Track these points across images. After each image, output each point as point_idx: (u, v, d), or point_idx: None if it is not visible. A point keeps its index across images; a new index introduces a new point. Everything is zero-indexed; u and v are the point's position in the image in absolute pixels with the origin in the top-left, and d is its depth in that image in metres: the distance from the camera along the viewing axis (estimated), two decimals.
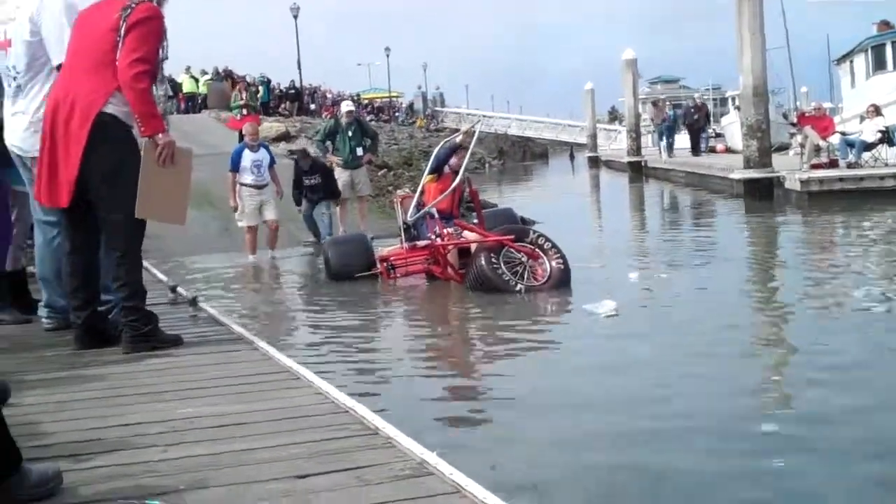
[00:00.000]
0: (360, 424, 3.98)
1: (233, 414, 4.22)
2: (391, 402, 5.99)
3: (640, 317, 8.69)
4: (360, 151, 16.62)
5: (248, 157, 14.70)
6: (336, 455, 3.56)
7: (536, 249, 10.45)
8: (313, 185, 16.26)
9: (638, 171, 39.58)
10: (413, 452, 3.54)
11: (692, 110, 39.60)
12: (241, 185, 14.64)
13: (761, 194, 21.10)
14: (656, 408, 5.79)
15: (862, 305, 8.66)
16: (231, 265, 14.30)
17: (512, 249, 10.37)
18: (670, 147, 39.33)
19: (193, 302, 7.53)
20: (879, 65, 27.75)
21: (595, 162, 53.81)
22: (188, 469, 3.45)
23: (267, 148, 15.61)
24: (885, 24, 29.32)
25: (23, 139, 6.20)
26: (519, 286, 9.99)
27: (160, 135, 5.74)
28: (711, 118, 40.56)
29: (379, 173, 24.74)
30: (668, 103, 47.45)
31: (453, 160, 11.80)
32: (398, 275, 11.51)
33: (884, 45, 27.80)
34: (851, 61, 29.96)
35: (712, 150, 39.00)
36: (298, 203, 16.46)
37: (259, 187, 14.70)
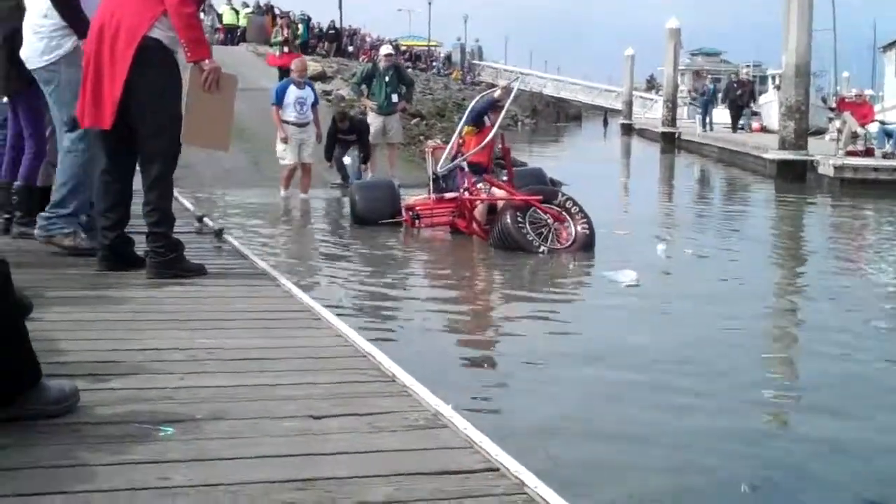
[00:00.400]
0: (378, 370, 3.98)
1: (252, 348, 4.24)
2: (408, 351, 6.00)
3: (661, 289, 8.66)
4: (395, 98, 16.51)
5: (292, 93, 14.47)
6: (352, 399, 3.57)
7: (563, 212, 10.40)
8: (348, 140, 16.21)
9: (671, 143, 39.29)
10: (428, 403, 3.54)
11: (735, 85, 37.87)
12: (283, 121, 14.42)
13: (794, 177, 20.92)
14: (671, 377, 5.79)
15: (885, 298, 8.64)
16: (260, 201, 14.30)
17: (538, 210, 10.33)
18: (707, 121, 38.54)
19: (219, 233, 7.55)
20: None
21: (628, 129, 53.43)
22: (205, 399, 3.47)
23: (312, 86, 15.39)
24: None
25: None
26: (542, 248, 9.97)
27: (206, 60, 5.72)
28: (756, 95, 38.83)
29: (412, 122, 24.62)
30: (708, 76, 46.44)
31: (492, 115, 11.74)
32: (422, 225, 11.50)
33: None
34: None
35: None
36: (329, 160, 16.29)
37: (301, 125, 14.48)
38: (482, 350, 6.71)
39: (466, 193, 11.00)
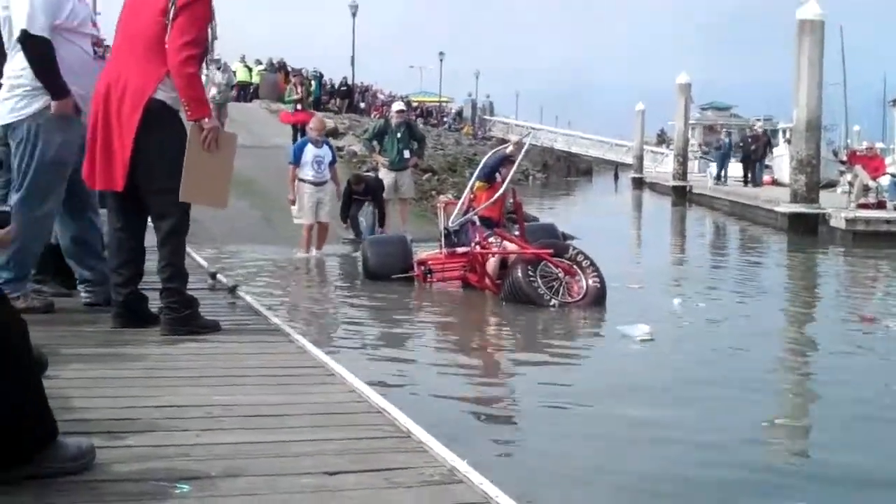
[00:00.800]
0: (393, 426, 3.98)
1: (267, 405, 4.24)
2: (423, 406, 6.00)
3: (674, 344, 8.64)
4: (406, 154, 16.60)
5: (310, 152, 14.34)
6: (367, 455, 3.57)
7: (574, 266, 10.42)
8: (363, 199, 16.23)
9: (682, 196, 39.34)
10: (444, 458, 3.54)
11: (749, 140, 38.14)
12: (301, 180, 14.29)
13: (805, 230, 20.96)
14: (682, 434, 5.78)
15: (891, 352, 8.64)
16: (273, 257, 14.31)
17: (550, 264, 10.35)
18: (722, 175, 38.71)
19: (233, 290, 7.56)
20: None
21: (639, 183, 53.55)
22: (221, 456, 3.47)
23: (330, 145, 15.30)
24: None
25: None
26: (553, 301, 9.97)
27: (206, 119, 5.78)
28: (770, 149, 38.94)
29: (423, 177, 24.73)
30: (723, 130, 46.57)
31: (503, 170, 11.81)
32: (434, 280, 11.52)
33: None
34: None
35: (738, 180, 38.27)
36: (345, 220, 16.27)
37: (318, 184, 14.35)
38: (496, 405, 6.70)
39: (478, 248, 11.03)
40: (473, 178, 12.21)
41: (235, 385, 4.62)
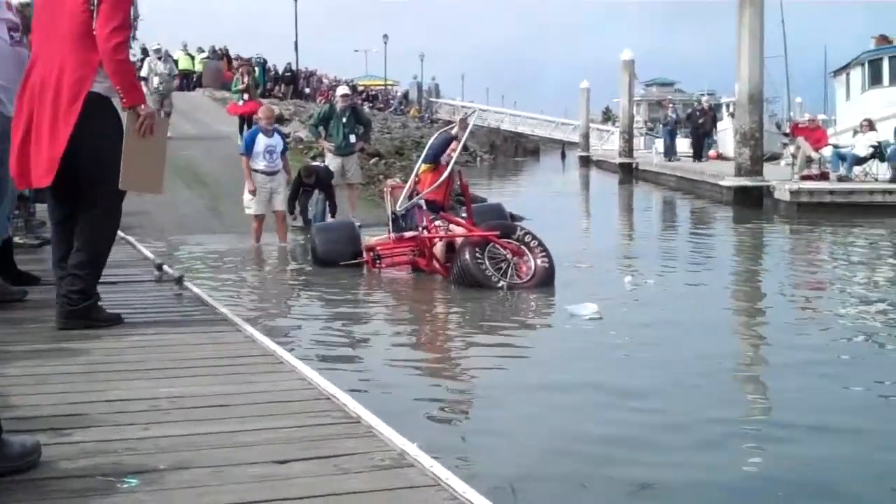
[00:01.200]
0: (342, 412, 3.98)
1: (215, 395, 4.22)
2: (373, 391, 6.02)
3: (622, 321, 8.67)
4: (352, 138, 16.54)
5: (261, 142, 14.17)
6: (316, 442, 3.56)
7: (522, 247, 10.45)
8: (311, 188, 16.12)
9: (628, 173, 39.62)
10: (394, 443, 3.54)
11: (697, 114, 38.14)
12: (253, 170, 14.17)
13: (751, 203, 21.18)
14: (629, 412, 5.83)
15: (839, 321, 8.74)
16: (220, 246, 14.20)
17: (497, 245, 10.37)
18: (673, 151, 39.00)
19: (179, 280, 7.50)
20: (875, 79, 27.82)
21: (586, 161, 53.83)
22: (169, 449, 3.45)
23: (281, 134, 15.22)
24: (883, 39, 29.41)
25: None
26: (501, 283, 10.00)
27: (142, 105, 5.72)
28: (716, 124, 39.19)
29: (370, 161, 24.63)
30: (671, 105, 46.55)
31: (448, 151, 11.81)
32: (383, 265, 11.50)
33: (881, 59, 27.89)
34: (848, 74, 30.05)
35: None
36: (292, 212, 16.11)
37: (271, 174, 14.24)
38: (447, 387, 6.70)
39: (425, 232, 11.03)
40: (419, 162, 12.18)
41: (183, 377, 4.59)
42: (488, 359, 7.51)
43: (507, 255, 10.35)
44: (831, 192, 20.20)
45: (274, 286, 11.40)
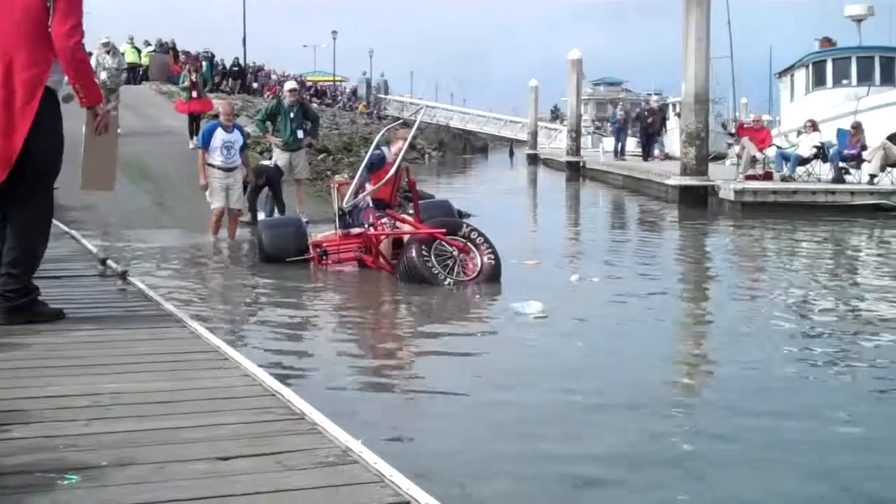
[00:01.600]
0: (286, 409, 3.97)
1: (158, 391, 4.19)
2: (318, 388, 6.01)
3: (568, 320, 8.70)
4: (300, 134, 16.47)
5: (219, 137, 13.93)
6: (260, 438, 3.55)
7: (468, 243, 10.48)
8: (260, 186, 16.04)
9: (576, 171, 39.83)
10: (338, 440, 3.54)
11: (646, 113, 38.17)
12: (209, 165, 13.94)
13: (696, 202, 21.38)
14: (575, 409, 5.86)
15: (778, 319, 8.86)
16: (166, 242, 14.09)
17: (444, 243, 10.40)
18: (622, 150, 39.07)
19: (123, 275, 7.44)
20: (819, 81, 28.16)
21: (534, 159, 54.06)
22: (111, 445, 3.42)
23: (241, 129, 14.81)
24: (826, 41, 29.79)
25: None
26: (448, 280, 10.03)
27: (100, 105, 5.67)
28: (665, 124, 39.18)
29: (318, 157, 24.52)
30: (620, 104, 46.63)
31: (393, 148, 11.79)
32: (330, 261, 11.46)
33: (824, 61, 28.22)
34: (792, 76, 30.37)
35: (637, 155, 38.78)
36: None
37: (228, 170, 13.98)
38: (392, 384, 6.71)
39: (371, 229, 11.02)
40: (364, 162, 12.06)
41: (126, 372, 4.56)
42: (434, 356, 7.54)
43: (454, 252, 10.37)
44: (775, 192, 20.45)
45: (220, 282, 11.33)
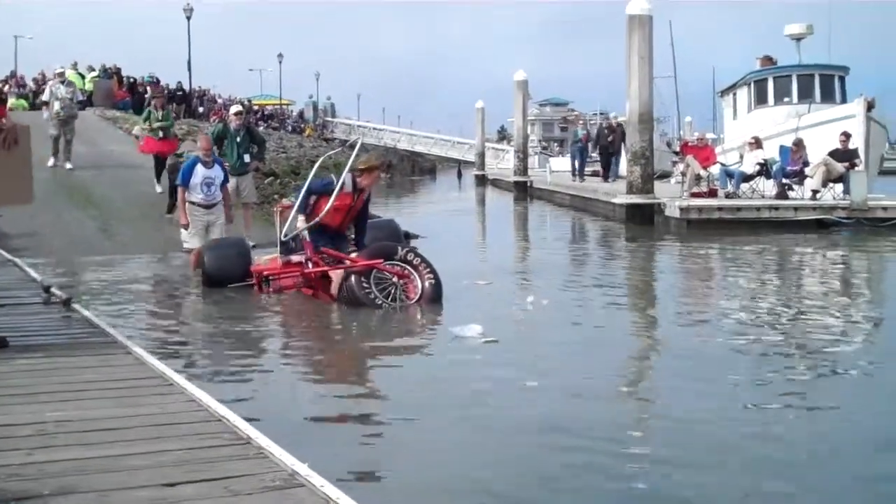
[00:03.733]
0: (233, 433, 3.96)
1: (104, 419, 4.17)
2: (264, 412, 5.95)
3: (510, 341, 8.66)
4: (247, 158, 16.42)
5: (199, 173, 13.17)
6: (206, 464, 3.54)
7: (407, 268, 10.49)
8: None
9: (523, 191, 39.98)
10: (284, 463, 3.54)
11: (605, 131, 35.38)
12: (189, 202, 13.24)
13: (642, 220, 21.56)
14: (516, 432, 5.88)
15: (725, 333, 8.94)
16: (111, 269, 13.96)
17: (382, 271, 10.40)
18: (580, 170, 36.13)
19: (67, 303, 7.39)
20: (761, 99, 28.50)
21: (482, 180, 54.20)
22: (54, 474, 3.40)
23: (221, 165, 13.95)
24: (767, 60, 30.16)
25: None
26: (385, 305, 10.07)
27: (3, 120, 5.65)
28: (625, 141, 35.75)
29: (266, 181, 24.45)
30: (580, 121, 43.33)
31: (364, 180, 11.41)
32: (271, 289, 11.39)
33: (766, 79, 28.58)
34: (734, 94, 30.72)
35: (595, 174, 37.06)
36: (171, 211, 15.89)
37: (208, 206, 13.33)
38: (338, 408, 6.66)
39: (309, 264, 10.97)
40: (303, 191, 11.70)
41: (70, 400, 4.53)
42: (379, 380, 7.53)
43: (393, 280, 10.38)
44: (720, 209, 20.67)
45: (166, 307, 11.22)
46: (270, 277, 11.42)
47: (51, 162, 21.64)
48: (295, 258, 11.26)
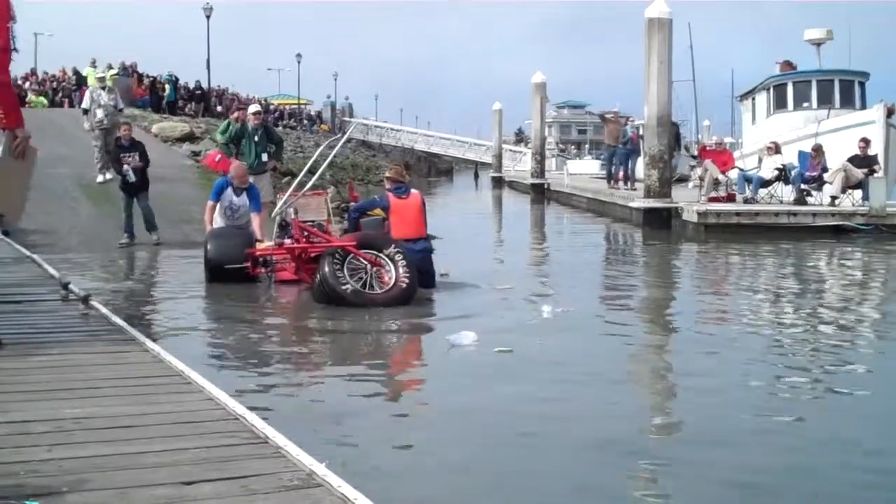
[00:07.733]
0: (250, 433, 3.96)
1: (122, 416, 4.17)
2: (282, 411, 5.97)
3: (530, 346, 8.61)
4: (265, 157, 16.45)
5: (227, 197, 13.05)
6: (224, 463, 3.54)
7: (381, 257, 10.75)
8: (134, 169, 16.13)
9: (540, 194, 39.95)
10: (302, 463, 3.53)
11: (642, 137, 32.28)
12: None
13: (660, 224, 21.49)
14: (536, 439, 5.87)
15: (744, 343, 8.88)
16: (128, 264, 14.01)
17: (357, 257, 10.63)
18: (630, 176, 31.09)
19: (86, 299, 7.39)
20: (780, 103, 28.39)
21: (499, 182, 54.18)
22: (72, 470, 3.40)
23: (254, 193, 13.48)
24: (787, 64, 30.04)
25: None
26: (349, 287, 10.30)
27: (22, 128, 5.65)
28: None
29: (283, 180, 24.50)
30: (623, 120, 37.90)
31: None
32: (270, 271, 11.80)
33: (785, 84, 28.47)
34: (753, 98, 30.59)
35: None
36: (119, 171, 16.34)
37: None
38: (357, 408, 6.65)
39: (291, 241, 11.38)
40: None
41: (88, 397, 4.53)
42: (397, 380, 7.54)
43: (367, 266, 10.61)
44: (738, 214, 20.59)
45: (184, 305, 11.23)
46: (261, 259, 11.73)
47: (100, 178, 20.26)
48: (286, 242, 11.52)
